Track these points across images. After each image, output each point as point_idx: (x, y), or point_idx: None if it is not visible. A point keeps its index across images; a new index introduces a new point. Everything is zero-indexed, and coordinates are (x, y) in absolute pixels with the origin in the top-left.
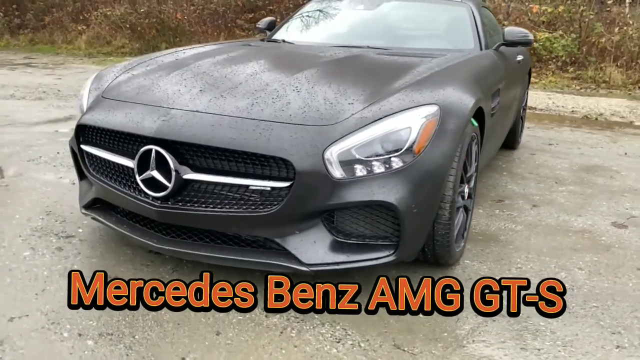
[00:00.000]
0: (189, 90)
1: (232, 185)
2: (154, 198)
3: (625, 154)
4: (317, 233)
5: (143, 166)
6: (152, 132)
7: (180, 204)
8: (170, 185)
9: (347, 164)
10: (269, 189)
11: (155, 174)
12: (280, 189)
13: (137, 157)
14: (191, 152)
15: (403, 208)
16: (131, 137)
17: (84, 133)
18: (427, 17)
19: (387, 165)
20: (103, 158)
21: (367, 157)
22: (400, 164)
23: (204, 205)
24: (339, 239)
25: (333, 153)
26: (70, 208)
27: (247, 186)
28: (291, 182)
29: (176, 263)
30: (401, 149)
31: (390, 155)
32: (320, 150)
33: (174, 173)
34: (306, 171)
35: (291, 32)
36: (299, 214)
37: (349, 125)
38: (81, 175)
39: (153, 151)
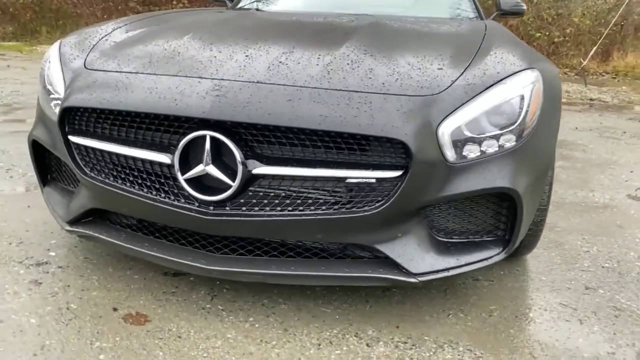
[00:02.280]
0: (229, 56)
1: (318, 180)
2: (206, 203)
3: (576, 128)
4: (418, 234)
5: (186, 161)
6: (205, 111)
7: (243, 208)
8: (234, 185)
9: (458, 143)
10: (373, 180)
11: (212, 169)
12: (390, 180)
13: (179, 148)
14: (259, 138)
15: (522, 195)
16: (164, 120)
17: (74, 119)
18: None
19: (500, 143)
20: (110, 153)
21: (479, 134)
22: (514, 141)
23: (278, 209)
24: (441, 239)
25: (445, 130)
26: (25, 225)
27: (343, 179)
28: (404, 170)
29: (210, 285)
30: (514, 123)
31: (503, 131)
32: (434, 127)
33: (240, 167)
34: (422, 155)
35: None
36: (407, 211)
37: (458, 94)
38: (45, 181)
39: (208, 139)
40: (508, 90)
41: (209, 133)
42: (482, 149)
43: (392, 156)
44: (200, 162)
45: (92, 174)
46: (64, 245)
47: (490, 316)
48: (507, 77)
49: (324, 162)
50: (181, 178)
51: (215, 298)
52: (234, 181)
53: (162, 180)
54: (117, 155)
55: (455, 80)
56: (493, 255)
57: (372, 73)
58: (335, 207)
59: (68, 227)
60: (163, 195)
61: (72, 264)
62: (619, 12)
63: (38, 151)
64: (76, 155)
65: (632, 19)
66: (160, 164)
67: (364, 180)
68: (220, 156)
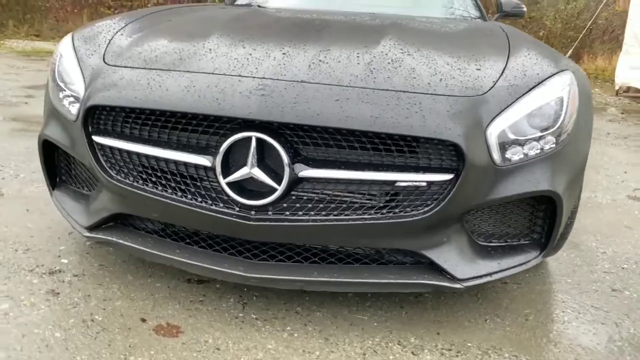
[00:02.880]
0: (266, 54)
1: (366, 183)
2: (247, 207)
3: None
4: (460, 238)
5: (226, 163)
6: (252, 112)
7: (286, 213)
8: (279, 188)
9: (504, 145)
10: (424, 184)
11: (258, 172)
12: (439, 183)
13: (221, 150)
14: (305, 140)
15: (563, 197)
16: (202, 120)
17: (98, 119)
18: None
19: (541, 146)
20: (140, 154)
21: (522, 137)
22: (554, 143)
23: (322, 213)
24: (481, 243)
25: (493, 132)
26: (28, 230)
27: (392, 182)
28: (455, 173)
29: (238, 293)
30: (554, 125)
31: (544, 133)
32: (483, 128)
33: (287, 170)
34: (473, 157)
35: None
36: (454, 215)
37: (502, 96)
38: (54, 183)
39: (254, 140)
40: (548, 92)
41: (255, 134)
42: (524, 151)
43: (443, 158)
44: (242, 164)
45: (119, 177)
46: (74, 252)
47: (527, 320)
48: (547, 78)
49: (372, 165)
50: (223, 181)
51: (246, 306)
52: (279, 184)
53: (200, 184)
54: (148, 157)
55: (497, 81)
56: (531, 258)
57: (414, 73)
58: (383, 211)
59: (87, 234)
60: (200, 199)
61: (87, 271)
62: (593, 17)
63: (47, 152)
64: (100, 157)
65: (600, 23)
66: (199, 167)
67: (414, 183)
68: (263, 158)
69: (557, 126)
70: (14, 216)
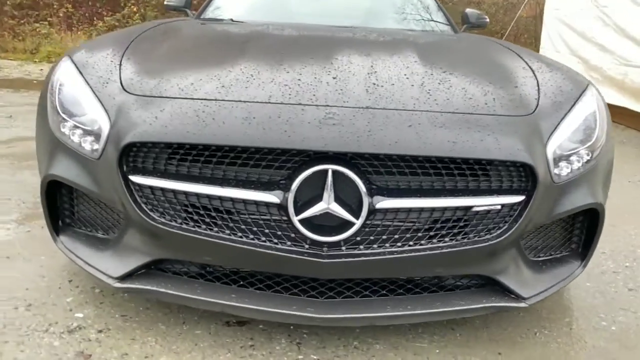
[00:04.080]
0: (315, 78)
1: (440, 210)
2: (318, 244)
3: None
4: (519, 256)
5: (297, 198)
6: (327, 143)
7: (360, 247)
8: (357, 222)
9: (557, 162)
10: (498, 207)
11: (336, 207)
12: (512, 205)
13: (293, 186)
14: (379, 169)
15: (604, 208)
16: (266, 154)
17: (136, 156)
18: None
19: (582, 159)
20: (189, 193)
21: (566, 152)
22: (592, 156)
23: (398, 244)
24: (533, 259)
25: (550, 149)
26: (18, 281)
27: (468, 207)
28: (526, 194)
29: (285, 332)
30: (592, 139)
31: (584, 147)
32: (544, 146)
33: (365, 202)
34: (542, 176)
35: (237, 9)
36: (523, 235)
37: (551, 112)
38: (57, 228)
39: (330, 173)
40: (586, 107)
41: (331, 167)
42: (572, 166)
43: (514, 180)
44: (315, 199)
45: (164, 220)
46: (86, 303)
47: (572, 329)
48: (582, 94)
49: (447, 191)
50: (296, 219)
51: (301, 346)
52: (357, 218)
53: (263, 222)
54: (200, 195)
55: (538, 98)
56: (575, 269)
57: (468, 93)
58: (458, 238)
59: (119, 285)
60: (264, 238)
61: (112, 325)
62: (514, 20)
63: (50, 194)
64: (139, 198)
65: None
66: (265, 204)
67: (490, 207)
68: (336, 191)
69: (593, 139)
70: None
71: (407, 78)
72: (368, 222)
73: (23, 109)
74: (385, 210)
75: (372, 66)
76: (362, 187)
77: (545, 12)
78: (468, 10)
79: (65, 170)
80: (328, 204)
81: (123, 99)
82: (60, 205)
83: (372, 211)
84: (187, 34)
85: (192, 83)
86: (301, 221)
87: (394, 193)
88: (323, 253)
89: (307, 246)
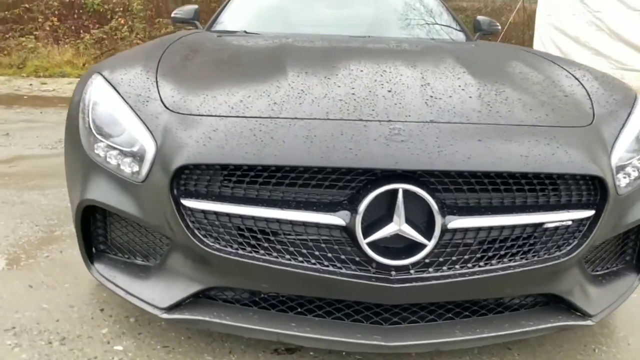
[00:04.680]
0: (370, 92)
1: (511, 227)
2: (386, 268)
3: None
4: (582, 273)
5: (363, 220)
6: (398, 161)
7: (429, 269)
8: (430, 243)
9: (619, 173)
10: (569, 223)
11: (407, 228)
12: (582, 220)
13: (361, 207)
14: (448, 187)
15: None
16: (329, 174)
17: (189, 179)
18: (391, 2)
19: (637, 169)
20: (249, 217)
21: (626, 162)
22: None
23: (468, 265)
24: (593, 274)
25: (613, 161)
26: (47, 313)
27: (540, 224)
28: (596, 208)
29: (331, 358)
30: None
31: (637, 157)
32: (609, 159)
33: (438, 222)
34: (611, 189)
35: (246, 21)
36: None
37: (609, 122)
38: (92, 256)
39: (400, 193)
40: (637, 115)
41: (402, 186)
42: (630, 177)
43: (583, 194)
44: (383, 220)
45: (218, 245)
46: (123, 334)
47: (629, 345)
48: (635, 102)
49: (517, 207)
50: (364, 242)
51: None
52: (429, 239)
53: (325, 245)
54: (258, 219)
55: (593, 108)
56: (633, 281)
57: (527, 104)
58: (528, 256)
59: (167, 316)
60: (326, 263)
61: (154, 357)
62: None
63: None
64: (190, 223)
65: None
66: (329, 226)
67: (561, 223)
68: (405, 211)
69: None
70: (17, 297)
71: (463, 89)
72: (446, 241)
73: (18, 126)
74: (458, 230)
75: (422, 77)
76: (435, 206)
77: (537, 18)
78: (480, 17)
79: (103, 194)
80: (399, 226)
81: (168, 118)
82: (94, 231)
83: (445, 231)
84: (212, 48)
85: (241, 100)
86: (369, 244)
87: (465, 211)
88: (392, 277)
89: (373, 270)
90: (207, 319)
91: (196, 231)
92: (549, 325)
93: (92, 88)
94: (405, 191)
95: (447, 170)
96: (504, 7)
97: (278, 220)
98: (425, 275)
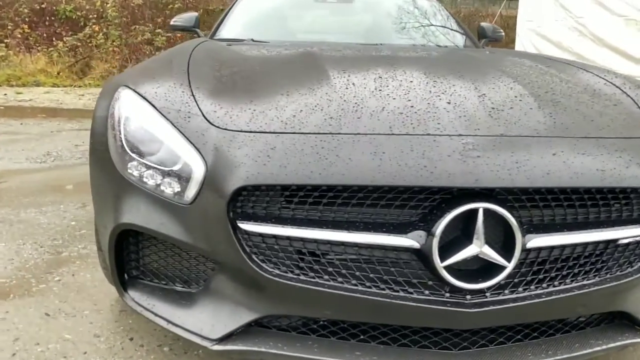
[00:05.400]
0: (428, 104)
1: (585, 245)
2: (460, 291)
3: None
4: None
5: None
6: (478, 179)
7: (504, 291)
8: (509, 265)
9: None
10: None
11: (488, 250)
12: None
13: (439, 229)
14: (525, 204)
15: None
16: (400, 193)
17: (246, 201)
18: (396, 8)
19: None
20: (313, 240)
21: None
22: None
23: (543, 286)
24: None
25: None
26: (73, 345)
27: (615, 240)
28: None
29: None
30: None
31: None
32: None
33: (519, 243)
34: None
35: (250, 29)
36: None
37: None
38: (124, 283)
39: (480, 213)
40: None
41: (482, 205)
42: None
43: None
44: (460, 241)
45: (277, 271)
46: None
47: None
48: None
49: (592, 223)
50: (440, 265)
51: None
52: (509, 261)
53: (395, 270)
54: (320, 242)
55: (627, 116)
56: None
57: (585, 114)
58: (601, 273)
59: (218, 347)
60: (397, 288)
61: None
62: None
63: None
64: (247, 247)
65: None
66: (398, 249)
67: (635, 238)
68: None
69: None
70: (35, 327)
71: (520, 100)
72: (524, 261)
73: (1, 139)
74: (537, 249)
75: (476, 88)
76: (515, 225)
77: (518, 24)
78: (484, 24)
79: (143, 218)
80: (480, 247)
81: (215, 135)
82: (127, 256)
83: (524, 251)
84: (235, 58)
85: (294, 115)
86: (446, 267)
87: (542, 229)
88: (467, 302)
89: (447, 295)
90: (262, 349)
91: (254, 256)
92: (618, 343)
93: (121, 102)
94: (490, 211)
95: (526, 187)
96: (476, 12)
97: (343, 244)
98: (501, 297)
